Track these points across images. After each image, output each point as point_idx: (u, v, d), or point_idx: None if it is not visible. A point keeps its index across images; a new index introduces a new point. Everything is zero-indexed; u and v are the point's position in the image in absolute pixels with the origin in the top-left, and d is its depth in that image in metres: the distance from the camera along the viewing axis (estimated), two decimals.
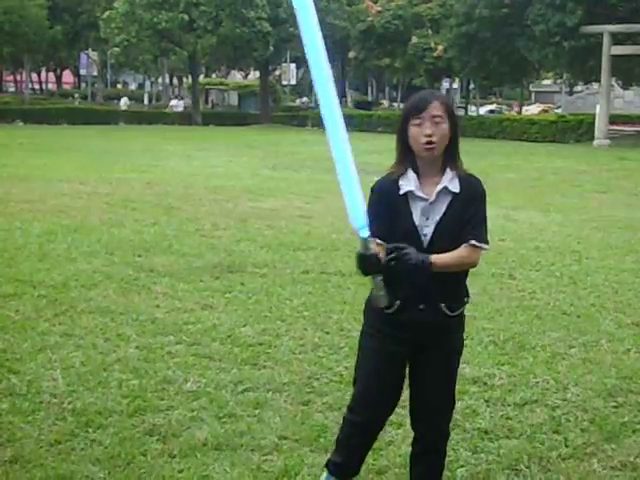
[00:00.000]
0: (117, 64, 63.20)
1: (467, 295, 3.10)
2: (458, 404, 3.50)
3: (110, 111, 51.60)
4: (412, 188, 2.95)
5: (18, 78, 74.46)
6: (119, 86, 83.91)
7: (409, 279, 2.92)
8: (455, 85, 61.44)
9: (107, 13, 49.40)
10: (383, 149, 18.44)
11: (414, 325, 3.00)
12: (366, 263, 2.85)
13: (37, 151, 21.84)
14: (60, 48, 62.45)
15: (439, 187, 2.94)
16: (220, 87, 67.28)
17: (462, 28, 40.67)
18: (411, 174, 2.96)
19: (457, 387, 3.20)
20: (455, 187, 2.95)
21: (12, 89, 75.95)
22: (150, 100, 69.05)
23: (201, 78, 62.96)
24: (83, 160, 20.04)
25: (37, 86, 79.83)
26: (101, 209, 11.23)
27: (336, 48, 46.70)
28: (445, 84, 56.87)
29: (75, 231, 9.30)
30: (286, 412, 4.19)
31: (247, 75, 75.34)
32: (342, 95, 57.46)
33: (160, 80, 73.53)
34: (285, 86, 59.60)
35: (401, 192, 2.96)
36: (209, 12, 46.72)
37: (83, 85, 74.79)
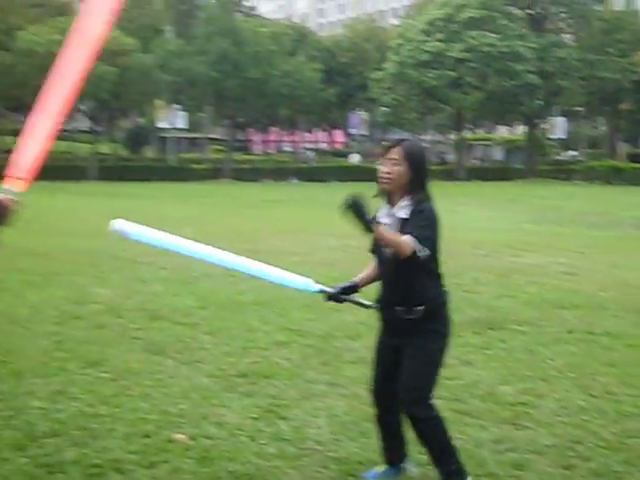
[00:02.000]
0: (385, 123, 65.27)
1: (426, 303, 3.72)
2: None
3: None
4: (379, 216, 3.76)
5: (294, 138, 79.19)
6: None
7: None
8: None
9: (377, 74, 51.37)
10: None
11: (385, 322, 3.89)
12: (333, 299, 4.04)
13: (307, 206, 23.03)
14: (332, 109, 65.69)
15: (392, 211, 3.73)
16: (485, 142, 67.13)
17: None
18: (386, 205, 3.78)
19: None
20: (405, 214, 3.68)
21: (287, 148, 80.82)
22: None
23: (466, 134, 63.21)
24: None
25: (310, 145, 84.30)
26: (367, 263, 11.57)
27: (606, 100, 45.06)
28: None
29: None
30: (548, 476, 4.06)
31: (514, 130, 74.58)
32: (611, 147, 55.07)
33: (426, 137, 74.83)
34: (552, 139, 58.25)
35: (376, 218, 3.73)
36: (476, 68, 46.97)
37: (353, 144, 77.90)
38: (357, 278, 4.04)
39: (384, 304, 3.85)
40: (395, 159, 3.68)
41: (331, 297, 3.96)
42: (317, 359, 6.16)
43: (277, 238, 14.21)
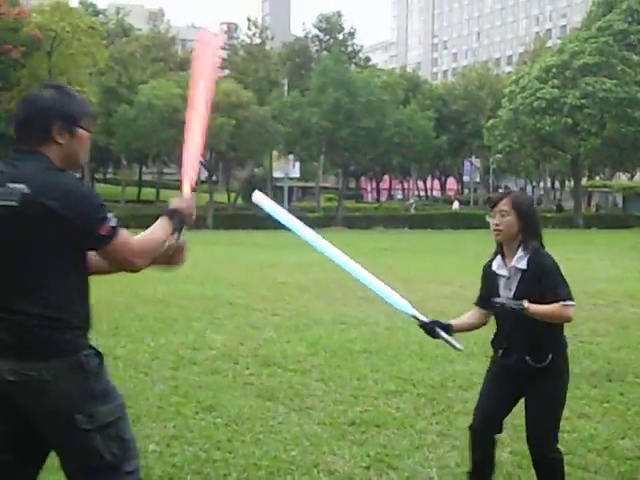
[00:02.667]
0: (499, 170, 64.64)
1: (554, 350, 3.82)
2: None
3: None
4: (495, 268, 3.92)
5: (405, 186, 79.38)
6: (500, 191, 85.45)
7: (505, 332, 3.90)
8: None
9: (491, 121, 51.11)
10: None
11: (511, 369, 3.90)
12: (425, 329, 3.97)
13: (419, 254, 22.94)
14: (445, 157, 65.65)
15: (511, 264, 3.83)
16: (603, 189, 65.45)
17: None
18: (498, 257, 3.92)
19: None
20: (523, 265, 3.78)
21: (399, 196, 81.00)
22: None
23: (584, 180, 61.82)
24: (463, 263, 20.62)
25: (423, 193, 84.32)
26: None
27: None
28: None
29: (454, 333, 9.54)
30: None
31: (633, 176, 72.47)
32: None
33: (542, 184, 73.59)
34: None
35: (491, 269, 3.96)
36: (593, 115, 46.10)
37: (466, 191, 77.40)
38: (454, 320, 4.11)
39: (509, 352, 3.88)
40: (504, 210, 3.81)
41: (423, 326, 3.98)
42: (428, 409, 6.09)
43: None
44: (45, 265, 2.69)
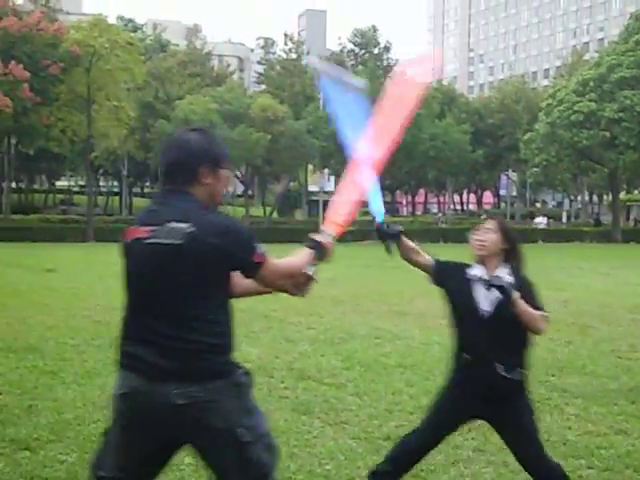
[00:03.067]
0: (535, 184, 64.17)
1: (524, 367, 3.90)
2: None
3: (526, 229, 52.23)
4: (476, 273, 3.94)
5: (441, 199, 79.11)
6: (537, 205, 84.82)
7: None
8: None
9: (528, 135, 50.84)
10: None
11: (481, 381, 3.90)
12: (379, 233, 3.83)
13: None
14: (481, 170, 65.34)
15: (492, 275, 3.85)
16: None
17: None
18: (477, 265, 3.98)
19: None
20: (509, 278, 3.82)
21: (435, 210, 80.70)
22: (569, 218, 68.60)
23: (622, 194, 61.15)
24: None
25: (459, 207, 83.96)
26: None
27: None
28: None
29: None
30: None
31: None
32: None
33: (579, 198, 72.94)
34: None
35: (467, 276, 3.98)
36: (631, 128, 45.67)
37: (502, 205, 76.95)
38: (414, 244, 4.15)
39: (478, 361, 3.89)
40: (489, 229, 3.98)
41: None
42: (466, 426, 6.04)
43: (422, 300, 14.13)
44: (205, 296, 2.95)
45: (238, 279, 3.14)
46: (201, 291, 2.93)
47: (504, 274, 3.90)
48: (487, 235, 3.97)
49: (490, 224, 4.00)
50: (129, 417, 2.99)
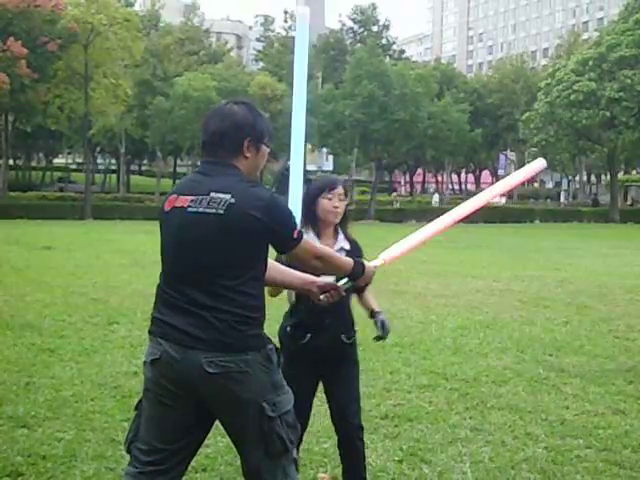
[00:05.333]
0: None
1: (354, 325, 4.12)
2: None
3: (525, 209, 52.22)
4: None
5: (439, 179, 78.98)
6: (535, 185, 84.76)
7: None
8: None
9: (526, 114, 50.70)
10: None
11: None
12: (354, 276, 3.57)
13: (453, 248, 22.82)
14: (479, 150, 65.18)
15: (336, 247, 3.91)
16: None
17: None
18: (311, 233, 3.87)
19: None
20: (347, 245, 3.98)
21: (432, 190, 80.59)
22: (567, 198, 68.59)
23: (620, 175, 61.09)
24: (497, 257, 20.51)
25: (457, 187, 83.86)
26: (513, 306, 11.35)
27: None
28: None
29: (487, 327, 9.51)
30: None
31: None
32: None
33: (577, 178, 72.88)
34: None
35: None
36: (631, 107, 45.55)
37: None
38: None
39: (319, 333, 3.92)
40: (342, 195, 3.95)
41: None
42: (462, 403, 6.06)
43: (422, 279, 14.13)
44: (243, 267, 2.96)
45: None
46: (238, 262, 2.94)
47: (345, 243, 3.98)
48: (341, 203, 3.94)
49: (342, 190, 3.96)
50: (160, 385, 2.99)
